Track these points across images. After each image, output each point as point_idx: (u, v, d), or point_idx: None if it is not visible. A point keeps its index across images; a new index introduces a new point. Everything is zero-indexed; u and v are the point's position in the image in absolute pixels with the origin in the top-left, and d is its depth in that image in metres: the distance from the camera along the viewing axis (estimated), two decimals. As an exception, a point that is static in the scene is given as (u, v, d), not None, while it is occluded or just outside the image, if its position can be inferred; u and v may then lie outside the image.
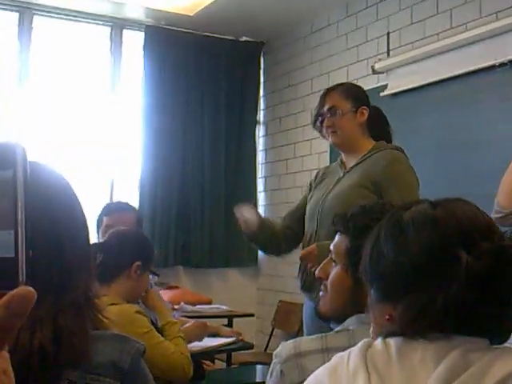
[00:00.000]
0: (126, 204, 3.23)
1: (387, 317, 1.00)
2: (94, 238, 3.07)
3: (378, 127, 2.65)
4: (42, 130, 5.12)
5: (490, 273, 0.93)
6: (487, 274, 0.93)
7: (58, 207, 1.02)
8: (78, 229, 1.05)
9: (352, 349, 0.99)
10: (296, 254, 5.29)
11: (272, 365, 1.41)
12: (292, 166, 5.48)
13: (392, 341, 0.97)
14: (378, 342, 0.98)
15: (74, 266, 1.00)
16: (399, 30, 4.42)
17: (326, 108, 2.60)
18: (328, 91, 2.65)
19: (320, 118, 2.61)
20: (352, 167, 2.57)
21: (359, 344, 0.99)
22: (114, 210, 3.01)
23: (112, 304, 2.23)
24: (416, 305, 0.95)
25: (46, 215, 0.97)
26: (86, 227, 1.08)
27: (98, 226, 2.99)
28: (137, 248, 2.44)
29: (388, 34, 4.49)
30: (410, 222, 1.00)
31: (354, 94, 2.63)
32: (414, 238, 0.98)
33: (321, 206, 2.55)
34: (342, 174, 2.60)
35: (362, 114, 2.58)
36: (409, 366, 0.93)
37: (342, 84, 2.75)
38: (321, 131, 2.66)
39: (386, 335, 0.98)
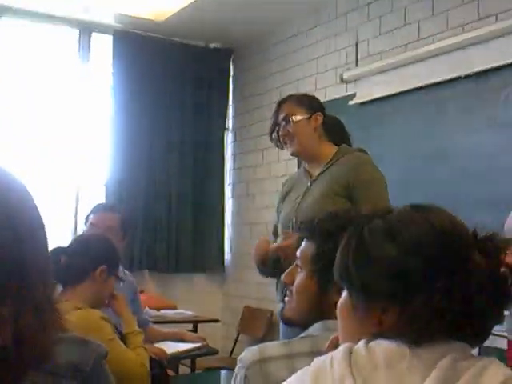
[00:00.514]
0: (113, 206, 3.28)
1: (375, 321, 0.97)
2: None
3: (337, 134, 2.67)
4: (7, 133, 5.05)
5: (497, 272, 0.95)
6: (495, 272, 0.94)
7: (14, 209, 1.01)
8: (35, 231, 1.04)
9: (333, 353, 0.96)
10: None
11: (236, 369, 1.40)
12: (260, 172, 5.49)
13: (377, 346, 0.94)
14: (361, 346, 0.95)
15: (32, 268, 1.00)
16: (367, 40, 4.47)
17: (280, 118, 2.62)
18: (281, 102, 2.67)
19: (276, 129, 2.63)
20: (319, 175, 2.57)
21: (341, 348, 0.96)
22: (99, 210, 3.11)
23: (77, 308, 2.21)
24: (427, 307, 0.92)
25: (1, 218, 0.96)
26: (44, 229, 1.07)
27: (86, 224, 3.09)
28: (101, 252, 2.43)
29: (356, 43, 4.54)
30: (398, 225, 0.99)
31: (307, 101, 2.66)
32: (410, 240, 0.96)
33: (294, 218, 2.53)
34: (309, 184, 2.60)
35: (316, 119, 2.61)
36: (396, 374, 0.91)
37: (293, 94, 2.77)
38: (277, 143, 2.66)
39: (369, 340, 0.96)
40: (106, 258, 2.42)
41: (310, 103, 2.65)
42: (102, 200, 5.25)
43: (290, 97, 2.70)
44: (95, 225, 3.00)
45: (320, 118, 2.61)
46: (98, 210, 3.12)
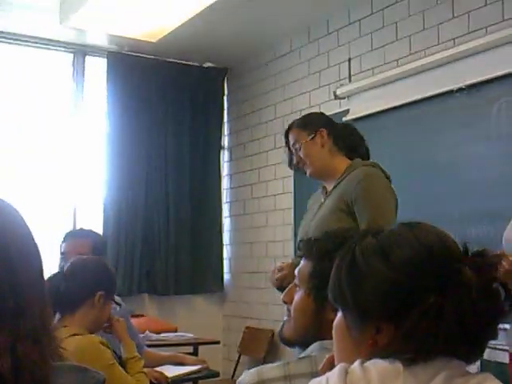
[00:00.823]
0: (82, 230, 3.21)
1: (370, 341, 0.97)
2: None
3: (349, 145, 2.65)
4: (2, 156, 5.05)
5: (488, 287, 0.95)
6: (487, 288, 0.95)
7: (9, 238, 1.00)
8: (30, 258, 1.03)
9: (329, 374, 0.96)
10: (262, 280, 5.30)
11: (236, 393, 1.39)
12: (257, 190, 5.49)
13: (372, 366, 0.94)
14: (356, 366, 0.95)
15: (28, 295, 0.99)
16: (360, 56, 4.49)
17: (291, 147, 2.66)
18: (286, 131, 2.71)
19: (292, 158, 2.67)
20: (331, 190, 2.58)
21: (336, 369, 0.96)
22: (68, 237, 3.04)
23: (75, 334, 2.20)
24: (421, 324, 0.92)
25: None
26: (39, 256, 1.06)
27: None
28: (99, 277, 2.43)
29: (349, 59, 4.56)
30: (390, 243, 1.00)
31: (308, 121, 2.68)
32: (401, 258, 0.97)
33: (306, 235, 2.53)
34: (323, 200, 2.60)
35: (321, 136, 2.61)
36: None
37: (295, 120, 2.78)
38: (297, 170, 2.71)
39: (365, 359, 0.96)
40: (103, 282, 2.42)
41: (311, 123, 2.66)
42: (100, 223, 5.25)
43: (292, 124, 2.73)
44: (65, 253, 2.93)
45: (325, 133, 2.61)
46: (66, 238, 3.05)
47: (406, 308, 0.94)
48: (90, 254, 2.83)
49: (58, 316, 2.30)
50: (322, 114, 2.81)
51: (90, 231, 3.16)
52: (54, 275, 2.35)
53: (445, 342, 0.93)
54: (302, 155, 2.62)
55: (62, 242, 3.02)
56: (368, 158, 2.69)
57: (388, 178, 2.60)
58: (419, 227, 1.02)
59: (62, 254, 2.97)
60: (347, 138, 2.67)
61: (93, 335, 2.31)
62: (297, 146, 2.62)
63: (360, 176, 2.49)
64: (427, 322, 0.92)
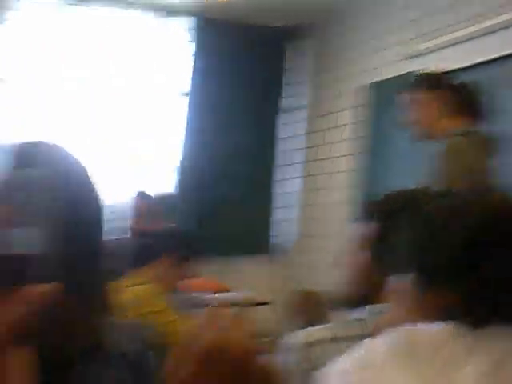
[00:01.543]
0: (141, 193, 3.35)
1: (431, 305, 0.96)
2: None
3: (465, 103, 2.59)
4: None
5: None
6: None
7: (73, 195, 0.95)
8: (90, 202, 0.97)
9: (383, 336, 0.94)
10: (314, 243, 5.20)
11: (283, 354, 1.40)
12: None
13: (431, 329, 0.92)
14: (413, 329, 0.93)
15: (83, 244, 0.93)
16: (432, 14, 4.29)
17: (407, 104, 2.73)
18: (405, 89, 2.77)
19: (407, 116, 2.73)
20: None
21: (391, 332, 0.94)
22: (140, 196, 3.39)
23: (134, 285, 2.30)
24: (485, 289, 0.92)
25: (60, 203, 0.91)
26: (98, 202, 1.00)
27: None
28: (173, 239, 2.60)
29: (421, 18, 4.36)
30: (461, 207, 0.99)
31: (430, 81, 2.67)
32: (470, 223, 0.96)
33: None
34: None
35: (440, 97, 2.62)
36: (453, 357, 0.88)
37: (419, 77, 2.79)
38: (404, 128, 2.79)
39: (424, 323, 0.94)
40: (176, 245, 2.60)
41: (432, 83, 2.65)
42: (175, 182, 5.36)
43: (412, 82, 2.74)
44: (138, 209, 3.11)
45: (442, 96, 2.59)
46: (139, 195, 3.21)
47: (469, 273, 0.93)
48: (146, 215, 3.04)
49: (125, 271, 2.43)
50: (439, 74, 2.76)
51: (148, 195, 3.36)
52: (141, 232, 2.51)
53: (507, 311, 0.92)
54: (415, 115, 2.62)
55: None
56: (480, 117, 2.60)
57: (490, 140, 2.52)
58: (489, 193, 1.05)
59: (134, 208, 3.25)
60: (463, 98, 2.61)
61: (147, 285, 2.40)
62: (413, 105, 2.62)
63: (442, 151, 2.44)
64: (490, 289, 0.92)
